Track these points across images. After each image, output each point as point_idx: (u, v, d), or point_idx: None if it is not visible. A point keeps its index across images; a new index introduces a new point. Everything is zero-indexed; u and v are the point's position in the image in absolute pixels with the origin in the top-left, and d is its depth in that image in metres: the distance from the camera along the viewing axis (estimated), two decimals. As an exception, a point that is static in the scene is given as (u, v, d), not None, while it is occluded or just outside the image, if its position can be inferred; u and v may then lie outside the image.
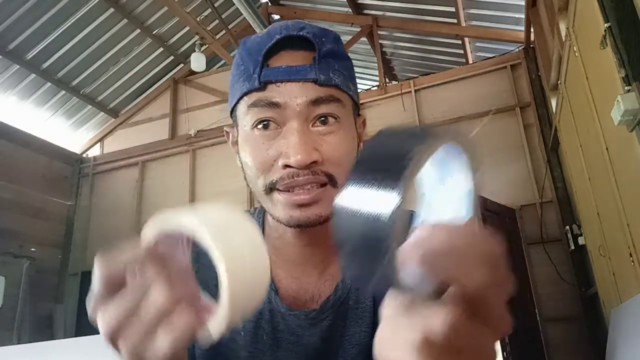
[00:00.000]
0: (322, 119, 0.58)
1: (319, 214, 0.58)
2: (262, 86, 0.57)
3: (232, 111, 0.64)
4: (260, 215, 0.70)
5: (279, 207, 0.58)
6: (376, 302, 0.61)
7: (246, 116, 0.60)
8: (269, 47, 0.58)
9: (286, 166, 0.56)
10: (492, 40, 5.45)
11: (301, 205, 0.57)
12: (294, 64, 0.58)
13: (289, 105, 0.57)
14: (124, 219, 6.08)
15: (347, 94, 0.61)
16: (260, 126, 0.58)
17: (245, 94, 0.59)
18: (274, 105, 0.57)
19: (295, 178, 0.56)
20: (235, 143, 0.66)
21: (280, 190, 0.58)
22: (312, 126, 0.58)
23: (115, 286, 0.36)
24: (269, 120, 0.58)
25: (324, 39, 0.59)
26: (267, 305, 0.64)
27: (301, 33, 0.58)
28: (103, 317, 0.35)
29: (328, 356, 0.61)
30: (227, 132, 0.69)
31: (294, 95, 0.57)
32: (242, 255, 0.37)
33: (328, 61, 0.59)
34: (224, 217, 0.39)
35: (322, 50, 0.58)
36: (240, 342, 0.64)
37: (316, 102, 0.57)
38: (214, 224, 0.38)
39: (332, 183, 0.58)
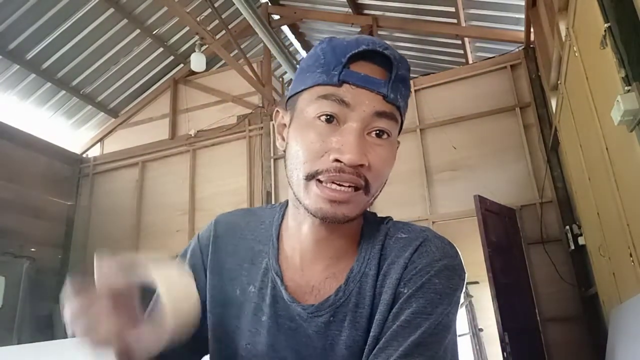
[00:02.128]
0: (379, 132, 0.63)
1: (346, 213, 0.63)
2: (339, 84, 0.62)
3: (293, 95, 0.68)
4: (282, 209, 0.77)
5: (312, 196, 0.63)
6: (374, 310, 0.64)
7: (312, 104, 0.64)
8: (354, 53, 0.63)
9: (336, 160, 0.61)
10: (492, 40, 5.45)
11: (333, 201, 0.62)
12: (372, 75, 0.63)
13: (357, 108, 0.62)
14: (124, 219, 6.09)
15: (402, 118, 0.67)
16: (323, 118, 0.62)
17: (319, 84, 0.63)
18: (343, 103, 0.62)
19: (341, 174, 0.61)
20: (283, 125, 0.71)
21: (320, 181, 0.62)
22: (367, 134, 0.63)
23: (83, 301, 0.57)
24: (332, 116, 0.62)
25: (400, 65, 0.64)
26: (270, 290, 0.68)
27: (386, 52, 0.63)
28: (70, 314, 0.57)
29: (321, 351, 0.65)
30: (277, 111, 0.73)
31: (364, 101, 0.62)
32: (175, 285, 0.58)
33: (398, 85, 0.64)
34: (167, 266, 0.59)
35: (397, 73, 0.64)
36: (242, 320, 0.70)
37: (380, 114, 0.63)
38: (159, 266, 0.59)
39: (365, 189, 0.63)
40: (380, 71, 0.64)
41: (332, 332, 0.65)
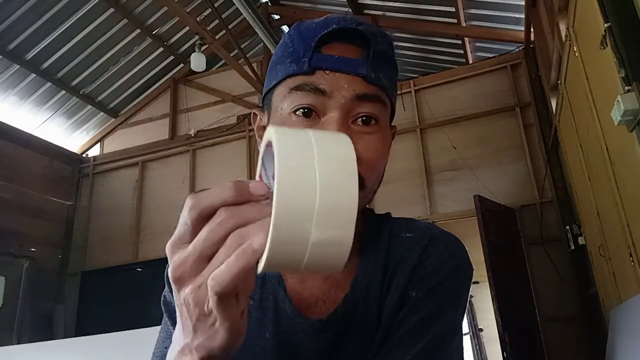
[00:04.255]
0: (364, 118, 0.56)
1: None
2: (311, 71, 0.55)
3: (267, 93, 0.61)
4: None
5: None
6: (383, 316, 0.59)
7: (286, 99, 0.57)
8: (324, 34, 0.56)
9: None
10: (492, 40, 5.45)
11: None
12: (347, 55, 0.56)
13: (335, 95, 0.55)
14: (124, 219, 6.09)
15: (390, 98, 0.60)
16: (300, 112, 0.55)
17: (290, 76, 0.57)
18: (319, 92, 0.55)
19: None
20: (262, 128, 0.63)
21: None
22: (351, 122, 0.56)
23: (202, 224, 0.37)
24: (310, 108, 0.55)
25: (379, 39, 0.58)
26: (272, 304, 0.62)
27: (359, 28, 0.56)
28: (176, 255, 0.37)
29: None
30: (255, 114, 0.65)
31: (341, 86, 0.55)
32: (310, 174, 0.33)
33: (379, 62, 0.57)
34: (317, 136, 0.36)
35: (376, 49, 0.57)
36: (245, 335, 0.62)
37: (362, 98, 0.55)
38: (294, 135, 0.35)
39: (360, 185, 0.55)
40: (357, 50, 0.56)
41: (341, 347, 0.59)
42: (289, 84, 0.57)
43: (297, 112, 0.56)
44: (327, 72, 0.55)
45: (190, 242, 0.37)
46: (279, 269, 0.34)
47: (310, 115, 0.55)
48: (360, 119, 0.56)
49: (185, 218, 0.37)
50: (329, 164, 0.34)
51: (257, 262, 0.35)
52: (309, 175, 0.33)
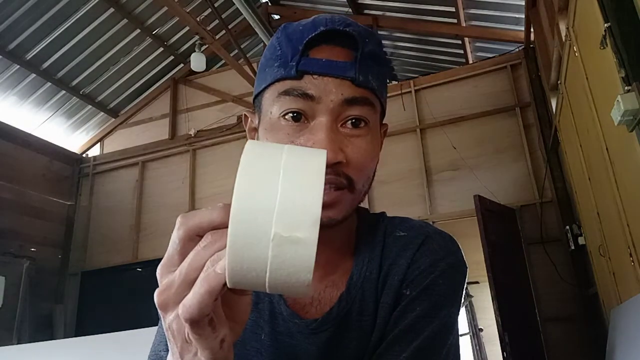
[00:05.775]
0: (354, 121, 0.56)
1: (332, 216, 0.56)
2: (299, 75, 0.55)
3: (257, 95, 0.62)
4: None
5: None
6: (378, 315, 0.59)
7: (275, 103, 0.57)
8: (311, 37, 0.55)
9: None
10: (492, 40, 5.45)
11: None
12: (335, 58, 0.56)
13: (323, 99, 0.55)
14: (124, 219, 6.08)
15: (380, 100, 0.59)
16: (288, 116, 0.56)
17: (278, 80, 0.57)
18: (307, 97, 0.55)
19: None
20: (254, 130, 0.63)
21: None
22: (341, 126, 0.56)
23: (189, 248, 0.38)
24: (299, 112, 0.55)
25: (367, 40, 0.57)
26: (267, 305, 0.62)
27: (347, 29, 0.56)
28: (164, 280, 0.38)
29: None
30: (246, 116, 0.66)
31: (329, 90, 0.55)
32: (273, 177, 0.33)
33: (368, 63, 0.57)
34: (285, 154, 0.36)
35: (364, 50, 0.56)
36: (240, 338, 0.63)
37: (350, 101, 0.55)
38: (266, 146, 0.36)
39: (350, 188, 0.56)
40: (345, 52, 0.56)
41: (337, 346, 0.59)
42: (277, 88, 0.57)
43: (286, 117, 0.56)
44: (315, 76, 0.55)
45: (178, 264, 0.37)
46: (244, 278, 0.33)
47: (299, 120, 0.56)
48: (349, 122, 0.56)
49: (174, 237, 0.38)
50: (294, 169, 0.34)
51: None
52: (272, 179, 0.33)
